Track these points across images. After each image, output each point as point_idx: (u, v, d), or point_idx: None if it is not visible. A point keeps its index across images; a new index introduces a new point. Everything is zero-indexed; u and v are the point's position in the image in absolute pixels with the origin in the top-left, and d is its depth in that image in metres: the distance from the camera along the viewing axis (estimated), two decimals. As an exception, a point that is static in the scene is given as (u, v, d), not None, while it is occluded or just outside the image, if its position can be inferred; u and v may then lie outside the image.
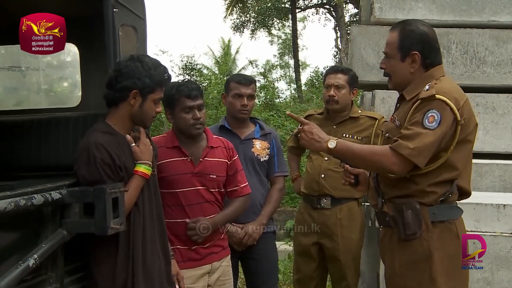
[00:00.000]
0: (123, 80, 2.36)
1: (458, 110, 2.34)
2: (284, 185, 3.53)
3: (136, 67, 2.37)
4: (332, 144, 2.44)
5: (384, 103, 4.46)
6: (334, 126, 3.63)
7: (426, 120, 2.33)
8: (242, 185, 3.09)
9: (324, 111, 3.76)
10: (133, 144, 2.43)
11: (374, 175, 2.59)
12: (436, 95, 2.34)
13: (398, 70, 2.53)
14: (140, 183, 2.39)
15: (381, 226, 2.70)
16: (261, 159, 3.42)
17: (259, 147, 3.42)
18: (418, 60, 2.47)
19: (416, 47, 2.47)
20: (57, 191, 2.18)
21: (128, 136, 2.43)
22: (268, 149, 3.43)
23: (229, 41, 30.11)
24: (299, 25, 29.47)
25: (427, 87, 2.40)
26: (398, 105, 2.64)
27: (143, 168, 2.40)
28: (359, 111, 3.74)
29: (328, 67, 4.03)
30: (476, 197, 3.71)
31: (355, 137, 3.58)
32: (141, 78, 2.36)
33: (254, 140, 3.43)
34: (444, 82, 2.45)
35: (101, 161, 2.27)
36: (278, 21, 28.12)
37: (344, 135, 3.58)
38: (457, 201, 2.51)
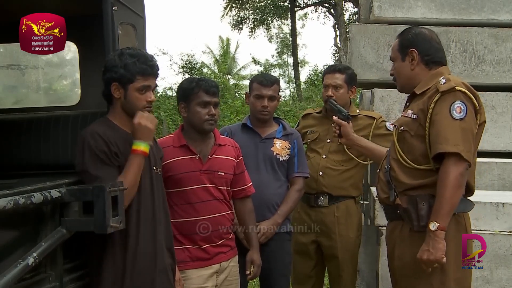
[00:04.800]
0: (105, 74, 2.40)
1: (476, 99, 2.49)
2: (304, 186, 3.47)
3: (113, 60, 2.39)
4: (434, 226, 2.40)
5: (383, 101, 4.46)
6: (332, 125, 3.63)
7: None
8: (249, 184, 3.12)
9: (322, 110, 3.76)
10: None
11: (386, 169, 2.64)
12: (456, 87, 2.47)
13: (400, 70, 2.68)
14: (140, 161, 2.35)
15: (388, 221, 2.75)
16: (281, 159, 3.38)
17: (279, 146, 3.39)
18: (416, 57, 2.61)
19: (413, 45, 2.63)
20: (56, 189, 2.18)
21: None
22: (288, 149, 3.40)
23: (227, 39, 30.16)
24: (299, 24, 29.46)
25: (443, 80, 2.50)
26: (407, 103, 2.72)
27: (142, 147, 2.35)
28: (357, 111, 3.75)
29: (327, 66, 4.03)
30: (475, 195, 3.69)
31: None
32: (117, 70, 2.37)
33: (274, 140, 3.41)
34: (455, 78, 2.56)
35: (95, 149, 2.29)
36: (277, 19, 28.10)
37: None
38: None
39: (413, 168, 2.53)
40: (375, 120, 3.62)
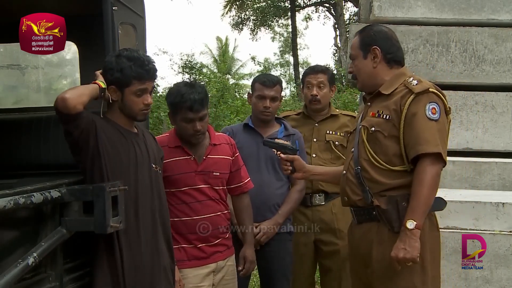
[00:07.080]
0: (103, 76, 2.39)
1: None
2: (305, 186, 3.47)
3: (110, 62, 2.39)
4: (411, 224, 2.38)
5: (383, 101, 4.45)
6: (316, 124, 3.66)
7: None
8: (245, 181, 3.11)
9: (303, 111, 3.78)
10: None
11: (356, 171, 2.60)
12: (430, 88, 2.49)
13: (362, 67, 2.67)
14: (92, 86, 2.32)
15: (357, 223, 2.68)
16: None
17: None
18: (379, 54, 2.61)
19: (375, 43, 2.63)
20: (56, 189, 2.18)
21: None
22: None
23: (226, 39, 30.14)
24: (302, 24, 29.40)
25: (415, 81, 2.51)
26: (369, 103, 2.69)
27: (97, 80, 2.35)
28: (337, 110, 3.80)
29: (307, 68, 4.06)
30: (475, 195, 3.72)
31: (338, 133, 3.62)
32: (113, 73, 2.37)
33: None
34: (423, 79, 2.57)
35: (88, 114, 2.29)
36: (278, 19, 28.06)
37: (328, 132, 3.62)
38: None
39: (388, 170, 2.51)
40: (355, 118, 3.65)
